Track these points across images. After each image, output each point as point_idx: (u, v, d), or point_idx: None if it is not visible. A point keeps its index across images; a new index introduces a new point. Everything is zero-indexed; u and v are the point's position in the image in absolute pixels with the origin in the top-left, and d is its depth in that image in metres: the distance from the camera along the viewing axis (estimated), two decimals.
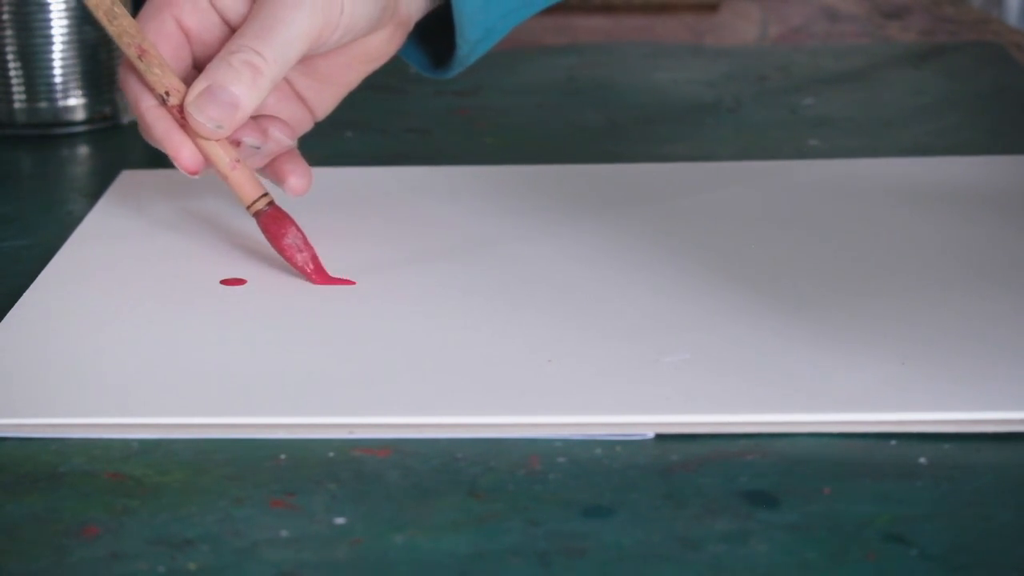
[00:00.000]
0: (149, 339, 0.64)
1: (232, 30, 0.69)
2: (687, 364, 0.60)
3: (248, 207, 0.69)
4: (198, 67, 0.70)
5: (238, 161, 0.68)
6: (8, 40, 0.90)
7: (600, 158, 0.86)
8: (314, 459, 0.55)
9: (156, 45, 0.68)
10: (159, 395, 0.59)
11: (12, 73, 0.91)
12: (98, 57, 0.91)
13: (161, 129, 0.68)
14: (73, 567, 0.49)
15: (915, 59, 1.05)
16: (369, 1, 0.69)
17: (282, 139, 0.70)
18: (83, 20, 0.90)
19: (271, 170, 0.72)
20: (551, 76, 1.04)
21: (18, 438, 0.57)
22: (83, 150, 0.91)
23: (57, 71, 0.91)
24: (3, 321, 0.66)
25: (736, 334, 0.63)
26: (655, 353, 0.61)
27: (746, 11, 1.23)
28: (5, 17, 0.90)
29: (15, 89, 0.91)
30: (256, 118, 0.69)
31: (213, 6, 0.69)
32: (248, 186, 0.68)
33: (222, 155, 0.68)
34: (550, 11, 1.15)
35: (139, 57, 0.67)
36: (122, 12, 0.68)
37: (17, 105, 0.92)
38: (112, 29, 0.68)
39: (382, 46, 0.72)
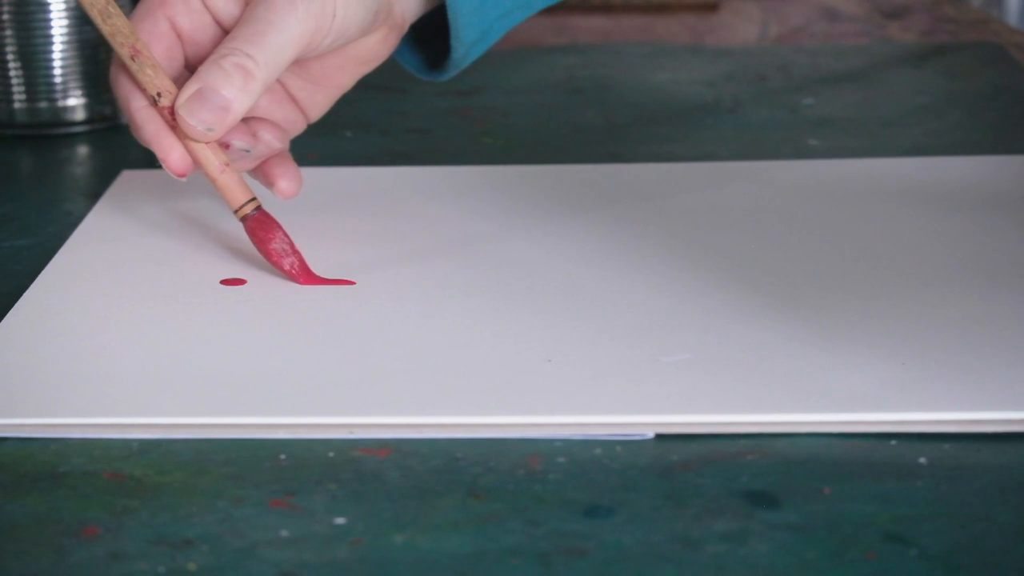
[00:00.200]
0: (149, 339, 0.64)
1: (225, 32, 0.69)
2: (687, 364, 0.60)
3: (236, 211, 0.69)
4: (190, 68, 0.70)
5: (227, 164, 0.68)
6: (8, 40, 0.90)
7: (600, 158, 0.86)
8: (314, 459, 0.55)
9: (149, 45, 0.68)
10: (159, 395, 0.59)
11: (12, 73, 0.91)
12: (98, 57, 0.91)
13: (151, 130, 0.68)
14: (73, 567, 0.49)
15: (915, 59, 1.05)
16: (362, 5, 0.68)
17: (272, 142, 0.70)
18: (83, 20, 0.90)
19: (261, 173, 0.72)
20: (551, 76, 1.04)
21: (18, 438, 0.57)
22: (83, 150, 0.91)
23: (57, 71, 0.91)
24: (3, 321, 0.66)
25: (736, 334, 0.63)
26: (655, 353, 0.61)
27: (746, 11, 1.23)
28: (5, 17, 0.90)
29: (15, 89, 0.91)
30: (246, 120, 0.69)
31: (206, 7, 0.69)
32: (236, 190, 0.68)
33: (211, 158, 0.68)
34: (550, 11, 1.15)
35: (132, 57, 0.67)
36: (116, 11, 0.68)
37: (17, 105, 0.92)
38: (106, 28, 0.68)
39: (376, 48, 0.72)
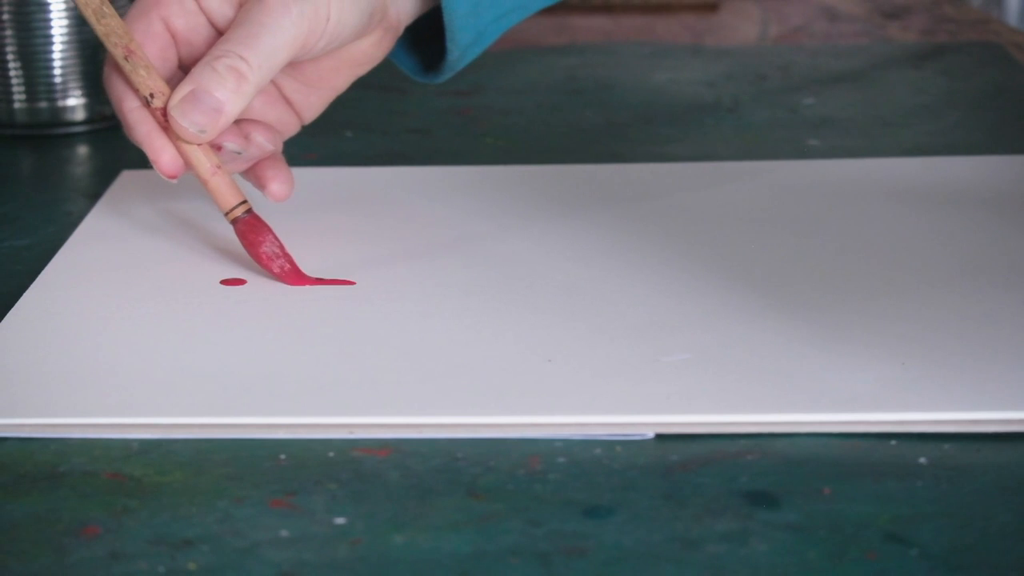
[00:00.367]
0: (149, 339, 0.64)
1: (219, 33, 0.69)
2: (687, 364, 0.60)
3: (226, 213, 0.69)
4: (184, 69, 0.70)
5: (219, 167, 0.68)
6: (8, 40, 0.90)
7: (600, 158, 0.86)
8: (314, 459, 0.55)
9: (143, 45, 0.68)
10: (159, 395, 0.59)
11: (12, 73, 0.91)
12: (98, 57, 0.91)
13: (143, 131, 0.68)
14: (73, 567, 0.49)
15: (915, 59, 1.05)
16: (356, 9, 0.68)
17: (264, 144, 0.70)
18: (83, 20, 0.90)
19: (253, 175, 0.72)
20: (551, 76, 1.04)
21: (18, 438, 0.57)
22: (83, 150, 0.91)
23: (57, 71, 0.91)
24: (3, 321, 0.66)
25: (736, 334, 0.63)
26: (655, 353, 0.61)
27: (746, 11, 1.23)
28: (5, 17, 0.90)
29: (15, 89, 0.91)
30: (239, 122, 0.69)
31: (201, 8, 0.69)
32: (227, 192, 0.68)
33: (203, 160, 0.68)
34: (550, 11, 1.15)
35: (125, 58, 0.67)
36: (111, 12, 0.68)
37: (17, 105, 0.92)
38: (100, 28, 0.68)
39: (370, 51, 0.72)
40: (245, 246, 0.69)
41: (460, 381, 0.59)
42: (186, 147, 0.68)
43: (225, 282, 0.69)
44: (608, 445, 0.56)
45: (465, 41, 0.72)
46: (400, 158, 0.88)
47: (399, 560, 0.49)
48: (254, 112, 0.71)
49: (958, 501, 0.52)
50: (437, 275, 0.69)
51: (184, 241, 0.74)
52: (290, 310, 0.66)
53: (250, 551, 0.50)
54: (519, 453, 0.55)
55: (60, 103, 0.92)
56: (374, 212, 0.78)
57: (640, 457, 0.55)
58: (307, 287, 0.68)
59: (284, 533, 0.51)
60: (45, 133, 0.92)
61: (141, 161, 0.85)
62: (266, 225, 0.69)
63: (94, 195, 0.82)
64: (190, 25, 0.69)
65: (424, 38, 0.76)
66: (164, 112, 0.67)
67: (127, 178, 0.83)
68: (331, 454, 0.55)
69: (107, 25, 0.68)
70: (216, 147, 0.68)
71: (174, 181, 0.69)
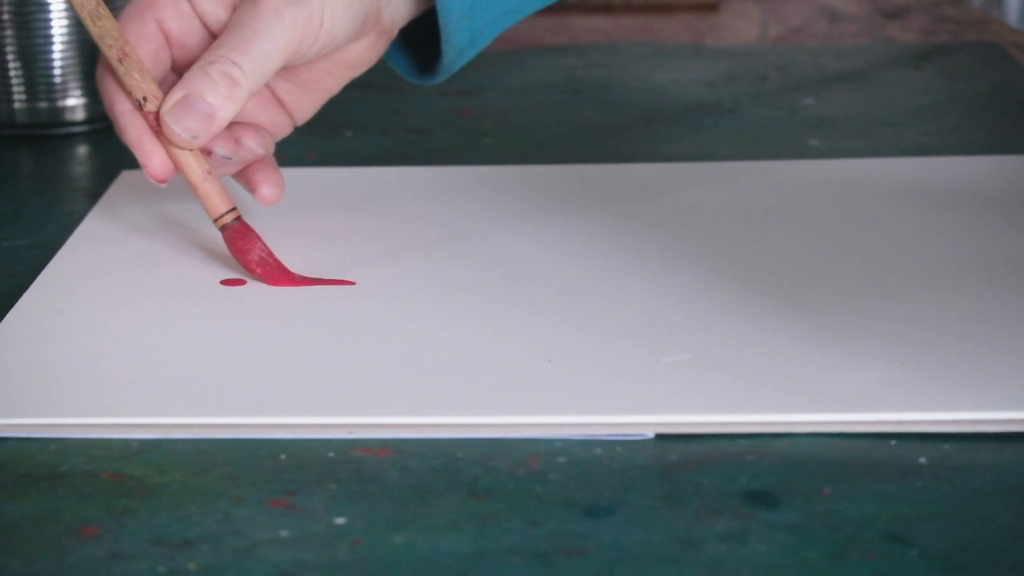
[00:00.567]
0: (149, 339, 0.64)
1: (212, 36, 0.69)
2: (687, 364, 0.60)
3: (215, 220, 0.69)
4: (177, 70, 0.70)
5: (209, 172, 0.68)
6: (8, 40, 0.90)
7: (600, 158, 0.86)
8: (314, 459, 0.55)
9: (137, 46, 0.68)
10: (159, 395, 0.59)
11: (12, 73, 0.91)
12: (98, 57, 0.91)
13: (134, 134, 0.68)
14: (73, 567, 0.49)
15: (915, 59, 1.05)
16: (349, 14, 0.68)
17: (255, 148, 0.70)
18: None
19: (243, 177, 0.72)
20: (551, 76, 1.04)
21: (18, 438, 0.57)
22: (83, 150, 0.91)
23: (57, 71, 0.91)
24: (3, 321, 0.66)
25: (736, 334, 0.63)
26: (655, 353, 0.61)
27: (746, 11, 1.23)
28: (5, 17, 0.90)
29: (15, 89, 0.91)
30: (230, 126, 0.69)
31: (195, 11, 0.69)
32: (217, 199, 0.68)
33: (194, 165, 0.68)
34: (550, 11, 1.15)
35: (120, 60, 0.67)
36: (106, 13, 0.68)
37: (17, 105, 0.92)
38: (95, 30, 0.68)
39: (364, 54, 0.72)
40: (233, 253, 0.69)
41: (460, 381, 0.59)
42: (177, 152, 0.68)
43: (225, 282, 0.69)
44: (608, 445, 0.56)
45: (460, 43, 0.72)
46: (400, 158, 0.88)
47: (399, 560, 0.49)
48: (247, 114, 0.71)
49: (958, 501, 0.52)
50: (437, 275, 0.69)
51: (184, 241, 0.74)
52: (290, 310, 0.66)
53: (250, 551, 0.50)
54: (519, 453, 0.55)
55: (60, 103, 0.92)
56: (374, 212, 0.78)
57: (640, 457, 0.55)
58: (307, 287, 0.68)
59: (284, 533, 0.51)
60: (45, 133, 0.92)
61: None
62: (255, 233, 0.69)
63: (94, 195, 0.82)
64: (184, 27, 0.69)
65: (419, 40, 0.75)
66: (156, 116, 0.67)
67: (127, 178, 0.83)
68: (331, 454, 0.55)
69: (102, 27, 0.68)
70: (206, 152, 0.68)
71: (163, 185, 0.69)
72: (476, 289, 0.68)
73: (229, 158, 0.69)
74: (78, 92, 0.92)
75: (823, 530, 0.50)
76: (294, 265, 0.70)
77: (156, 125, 0.67)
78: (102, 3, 0.68)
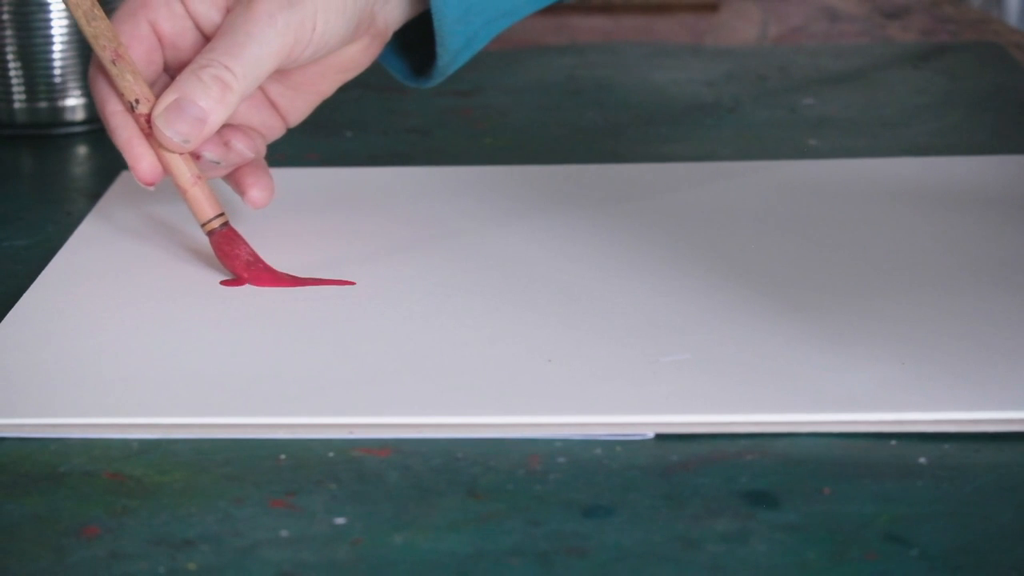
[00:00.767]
0: (149, 339, 0.64)
1: (205, 38, 0.69)
2: (687, 364, 0.60)
3: (202, 225, 0.69)
4: (170, 72, 0.70)
5: (199, 177, 0.68)
6: (8, 40, 0.90)
7: (600, 158, 0.86)
8: (314, 459, 0.55)
9: (130, 47, 0.68)
10: (159, 395, 0.59)
11: (12, 73, 0.91)
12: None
13: (124, 136, 0.68)
14: (73, 567, 0.49)
15: (915, 59, 1.05)
16: (343, 18, 0.68)
17: (244, 152, 0.70)
18: None
19: (232, 180, 0.72)
20: (551, 76, 1.04)
21: (18, 438, 0.57)
22: (83, 150, 0.91)
23: (57, 71, 0.91)
24: (3, 321, 0.66)
25: (736, 334, 0.63)
26: (655, 353, 0.61)
27: (746, 11, 1.23)
28: (5, 17, 0.90)
29: (15, 89, 0.91)
30: (219, 130, 0.69)
31: (188, 12, 0.69)
32: (206, 204, 0.68)
33: (184, 169, 0.68)
34: (550, 11, 1.15)
35: (113, 61, 0.67)
36: (101, 14, 0.68)
37: (17, 105, 0.92)
38: (89, 30, 0.68)
39: (358, 57, 0.72)
40: (220, 257, 0.69)
41: (460, 381, 0.59)
42: (167, 155, 0.68)
43: (225, 282, 0.69)
44: (608, 445, 0.56)
45: (455, 46, 0.71)
46: (400, 158, 0.88)
47: (399, 560, 0.49)
48: (239, 116, 0.71)
49: (958, 501, 0.52)
50: (437, 275, 0.69)
51: (184, 241, 0.74)
52: (290, 310, 0.66)
53: (250, 551, 0.50)
54: (519, 453, 0.55)
55: (60, 103, 0.92)
56: (374, 212, 0.78)
57: (640, 457, 0.55)
58: (307, 288, 0.68)
59: (284, 533, 0.51)
60: (45, 133, 0.92)
61: None
62: (242, 238, 0.69)
63: (94, 195, 0.82)
64: (177, 29, 0.69)
65: (413, 42, 0.75)
66: (148, 119, 0.67)
67: (127, 178, 0.83)
68: (331, 454, 0.55)
69: (97, 27, 0.68)
70: (195, 156, 0.68)
71: (151, 188, 0.69)
72: (476, 289, 0.68)
73: (218, 162, 0.69)
74: (78, 92, 0.92)
75: (823, 530, 0.50)
76: (294, 265, 0.70)
77: (147, 128, 0.67)
78: (97, 4, 0.68)
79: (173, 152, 0.67)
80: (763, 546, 0.49)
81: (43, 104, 0.92)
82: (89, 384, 0.60)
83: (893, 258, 0.70)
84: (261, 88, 0.72)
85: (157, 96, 0.67)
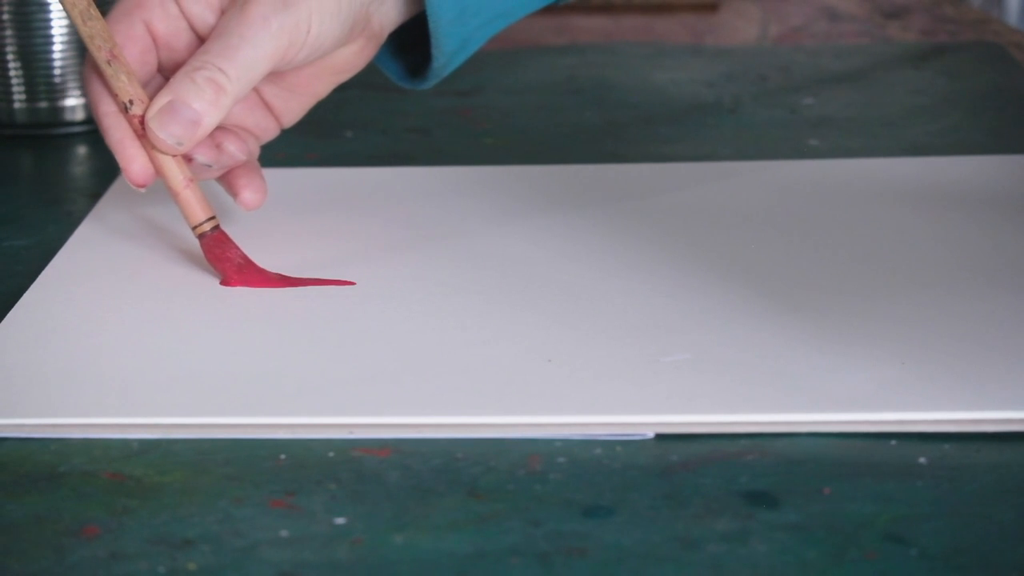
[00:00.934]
0: (149, 339, 0.64)
1: (200, 39, 0.69)
2: (687, 364, 0.60)
3: (194, 228, 0.69)
4: (164, 73, 0.70)
5: (191, 180, 0.68)
6: (8, 40, 0.90)
7: (600, 158, 0.86)
8: (314, 459, 0.55)
9: (124, 47, 0.68)
10: (159, 395, 0.59)
11: (12, 73, 0.91)
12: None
13: (116, 137, 0.68)
14: (73, 567, 0.49)
15: (915, 59, 1.05)
16: (337, 20, 0.68)
17: (236, 154, 0.70)
18: None
19: (225, 182, 0.72)
20: (551, 76, 1.04)
21: (18, 438, 0.57)
22: (83, 150, 0.91)
23: (57, 71, 0.91)
24: (3, 321, 0.66)
25: (736, 334, 0.63)
26: (655, 353, 0.61)
27: (746, 11, 1.23)
28: (5, 17, 0.90)
29: (15, 89, 0.91)
30: (212, 132, 0.68)
31: (183, 13, 0.69)
32: (197, 207, 0.68)
33: (176, 172, 0.68)
34: (550, 11, 1.15)
35: (108, 62, 0.67)
36: (96, 15, 0.68)
37: (17, 105, 0.92)
38: (85, 30, 0.68)
39: (352, 59, 0.72)
40: (211, 260, 0.69)
41: (460, 381, 0.59)
42: (159, 157, 0.67)
43: (222, 284, 0.69)
44: (608, 445, 0.56)
45: (451, 48, 0.71)
46: (400, 158, 0.88)
47: (399, 560, 0.49)
48: (233, 117, 0.71)
49: (958, 501, 0.52)
50: (437, 275, 0.69)
51: (184, 241, 0.74)
52: (290, 310, 0.66)
53: (250, 551, 0.50)
54: (519, 453, 0.55)
55: (60, 103, 0.92)
56: (374, 212, 0.78)
57: (640, 457, 0.55)
58: (306, 288, 0.68)
59: (284, 533, 0.51)
60: (45, 133, 0.92)
61: None
62: (232, 242, 0.69)
63: (94, 195, 0.82)
64: (171, 29, 0.69)
65: (409, 44, 0.75)
66: (142, 120, 0.67)
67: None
68: (331, 454, 0.55)
69: (92, 27, 0.68)
70: (187, 158, 0.68)
71: (142, 191, 0.68)
72: (476, 289, 0.68)
73: (210, 165, 0.69)
74: (78, 92, 0.92)
75: (823, 530, 0.50)
76: (294, 265, 0.70)
77: (141, 129, 0.67)
78: (93, 3, 0.68)
79: (166, 154, 0.67)
80: (763, 546, 0.49)
81: (43, 104, 0.92)
82: (89, 384, 0.60)
83: (893, 258, 0.70)
84: (255, 89, 0.72)
85: (151, 98, 0.67)
